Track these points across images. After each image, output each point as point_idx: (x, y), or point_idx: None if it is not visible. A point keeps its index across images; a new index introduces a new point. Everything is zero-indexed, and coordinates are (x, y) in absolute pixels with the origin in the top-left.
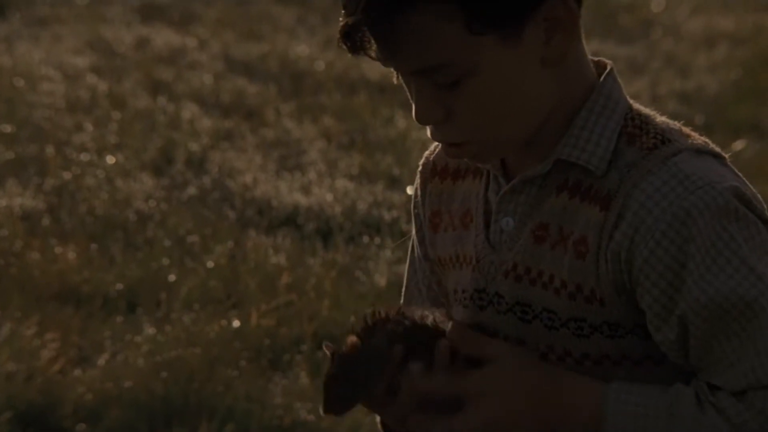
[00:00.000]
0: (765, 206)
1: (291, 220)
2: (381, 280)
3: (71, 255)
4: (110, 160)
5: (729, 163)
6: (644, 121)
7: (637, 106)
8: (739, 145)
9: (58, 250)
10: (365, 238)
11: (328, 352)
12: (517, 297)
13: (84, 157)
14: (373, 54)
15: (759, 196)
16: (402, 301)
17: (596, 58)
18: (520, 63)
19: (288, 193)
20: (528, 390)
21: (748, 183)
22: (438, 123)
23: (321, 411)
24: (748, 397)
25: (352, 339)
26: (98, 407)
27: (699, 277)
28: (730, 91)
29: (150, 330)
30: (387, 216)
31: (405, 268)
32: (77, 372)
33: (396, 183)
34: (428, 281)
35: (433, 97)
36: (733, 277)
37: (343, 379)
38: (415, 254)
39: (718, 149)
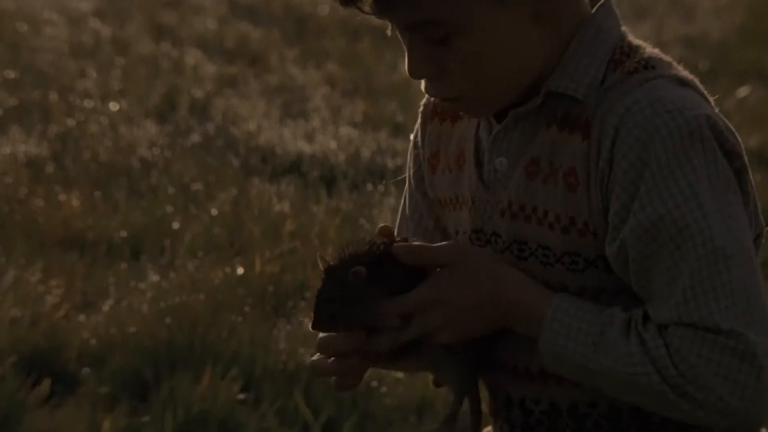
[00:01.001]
0: (741, 145)
1: (295, 167)
2: None
3: (75, 202)
4: (114, 106)
5: (711, 102)
6: (633, 50)
7: (631, 38)
8: (743, 91)
9: (62, 197)
10: (369, 186)
11: (321, 266)
12: (513, 235)
13: (87, 103)
14: (365, 8)
15: (737, 134)
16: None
17: None
18: (510, 20)
19: (292, 140)
20: (475, 294)
21: (728, 123)
22: (430, 78)
23: (310, 326)
24: (669, 332)
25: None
26: (102, 352)
27: (645, 196)
28: (735, 36)
29: (154, 276)
30: (390, 163)
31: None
32: (81, 317)
33: (400, 130)
34: (418, 217)
35: (425, 52)
36: (674, 198)
37: (333, 298)
38: (410, 191)
39: (703, 89)
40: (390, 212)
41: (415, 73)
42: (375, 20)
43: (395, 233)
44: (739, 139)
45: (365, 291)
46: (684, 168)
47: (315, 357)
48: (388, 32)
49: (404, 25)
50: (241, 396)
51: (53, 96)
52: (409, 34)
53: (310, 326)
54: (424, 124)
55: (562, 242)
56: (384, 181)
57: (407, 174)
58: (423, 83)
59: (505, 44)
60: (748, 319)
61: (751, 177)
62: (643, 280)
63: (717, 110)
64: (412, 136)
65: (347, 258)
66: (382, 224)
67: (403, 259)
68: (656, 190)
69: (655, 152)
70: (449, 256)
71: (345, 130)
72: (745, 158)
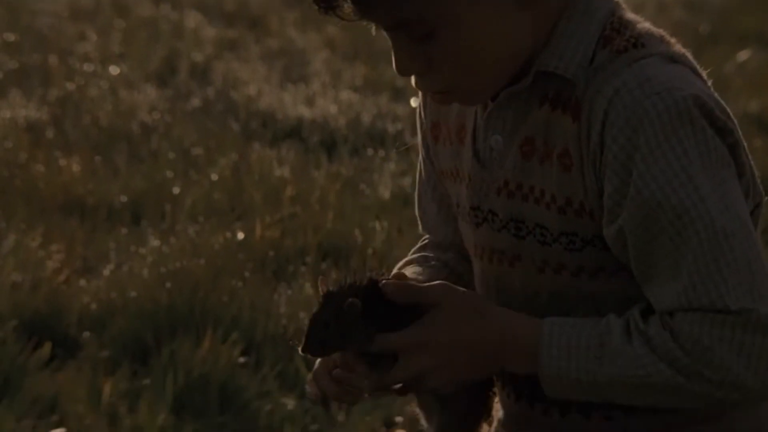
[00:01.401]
0: (733, 120)
1: (295, 132)
2: (385, 192)
3: (75, 167)
4: (114, 70)
5: (703, 76)
6: (624, 25)
7: (623, 12)
8: (744, 54)
9: (62, 162)
10: (369, 151)
11: (321, 290)
12: (510, 214)
13: (87, 67)
14: (345, 15)
15: (729, 110)
16: (417, 206)
17: None
18: (495, 11)
19: (292, 104)
20: (462, 334)
21: (720, 99)
22: (419, 74)
23: (299, 349)
24: (676, 320)
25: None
26: (103, 316)
27: (640, 181)
28: (736, 0)
29: (154, 241)
30: (391, 128)
31: (409, 180)
32: (82, 282)
33: (400, 94)
34: (434, 182)
35: (410, 49)
36: (670, 183)
37: (327, 324)
38: (422, 157)
39: (695, 63)
40: (390, 177)
41: (403, 71)
42: None
43: (416, 194)
44: (731, 114)
45: (358, 323)
46: (675, 150)
47: (308, 383)
48: (373, 31)
49: (387, 26)
50: (241, 360)
51: (53, 59)
52: (393, 33)
53: (299, 350)
54: (424, 93)
55: (559, 222)
56: (397, 146)
57: (419, 139)
58: (413, 79)
59: (492, 34)
60: (755, 294)
61: (745, 149)
62: (644, 266)
63: (710, 83)
64: (413, 102)
65: (347, 287)
66: (396, 272)
67: (392, 297)
68: (650, 174)
69: (645, 135)
70: (437, 297)
71: (345, 95)
72: (738, 133)
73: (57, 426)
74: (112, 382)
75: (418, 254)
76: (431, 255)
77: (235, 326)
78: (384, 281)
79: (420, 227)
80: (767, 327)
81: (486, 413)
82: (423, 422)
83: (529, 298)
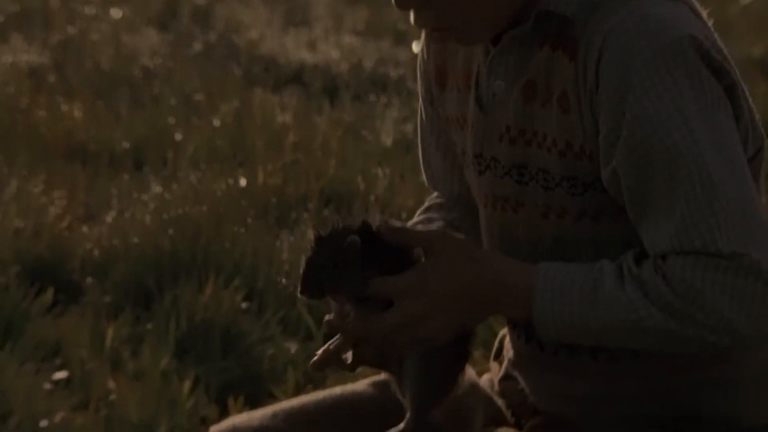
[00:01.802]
0: (730, 61)
1: (297, 77)
2: (387, 139)
3: (77, 112)
4: (115, 13)
5: (703, 16)
6: None
7: None
8: None
9: (64, 107)
10: (371, 96)
11: (313, 236)
12: (512, 160)
13: (89, 10)
14: None
15: (725, 51)
16: (421, 160)
17: None
18: None
19: (294, 49)
20: (458, 281)
21: (717, 39)
22: (417, 8)
23: (297, 292)
24: (669, 263)
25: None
26: (106, 262)
27: (634, 122)
28: None
29: (157, 188)
30: (393, 73)
31: (411, 126)
32: (84, 228)
33: (402, 39)
34: (437, 131)
35: None
36: (664, 125)
37: (324, 266)
38: (424, 105)
39: (695, 3)
40: (392, 123)
41: (401, 3)
42: None
43: (420, 148)
44: (728, 55)
45: (356, 262)
46: (670, 91)
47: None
48: None
49: None
50: (244, 305)
51: (54, 2)
52: None
53: (298, 292)
54: (426, 39)
55: (561, 166)
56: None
57: (419, 87)
58: (411, 14)
59: None
60: (748, 239)
61: (744, 91)
62: (639, 209)
63: (711, 23)
64: (415, 47)
65: (340, 229)
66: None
67: (387, 237)
68: (644, 115)
69: (639, 75)
70: (433, 242)
71: (347, 39)
72: (735, 74)
73: (60, 370)
74: (115, 327)
75: (423, 216)
76: (435, 216)
77: (237, 272)
78: (378, 224)
79: (426, 181)
80: (759, 271)
81: (461, 372)
82: (395, 389)
83: (534, 245)
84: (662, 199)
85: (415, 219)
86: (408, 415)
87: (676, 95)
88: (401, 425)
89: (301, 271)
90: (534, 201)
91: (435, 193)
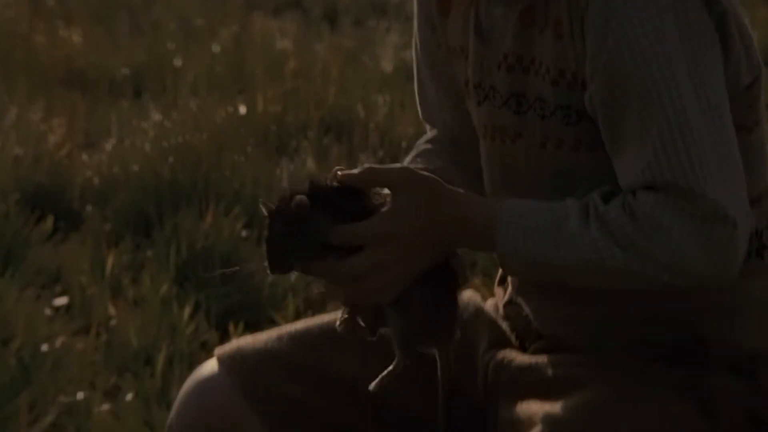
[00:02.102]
0: None
1: (297, 2)
2: (387, 66)
3: (76, 38)
4: None
5: None
6: None
7: None
8: None
9: (63, 32)
10: (372, 21)
11: (265, 212)
12: (510, 88)
13: None
14: None
15: None
16: (417, 93)
17: None
18: None
19: None
20: (423, 220)
21: None
22: None
23: (268, 272)
24: (639, 199)
25: (296, 197)
26: (106, 190)
27: (614, 49)
28: None
29: (156, 115)
30: None
31: (411, 53)
32: (84, 156)
33: None
34: (432, 61)
35: None
36: (643, 54)
37: (282, 235)
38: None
39: None
40: (393, 49)
41: None
42: None
43: (416, 80)
44: None
45: (312, 221)
46: (653, 20)
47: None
48: None
49: None
50: (243, 233)
51: None
52: None
53: (268, 272)
54: None
55: (555, 95)
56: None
57: (415, 17)
58: None
59: None
60: (719, 182)
61: (738, 18)
62: (613, 139)
63: None
64: None
65: (288, 196)
66: (337, 167)
67: (351, 181)
68: (624, 41)
69: (624, 1)
70: (395, 181)
71: None
72: (728, 0)
73: (60, 296)
74: (115, 254)
75: (410, 164)
76: (420, 165)
77: (237, 201)
78: (333, 173)
79: (420, 114)
80: (726, 217)
81: (451, 303)
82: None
83: (534, 176)
84: (636, 130)
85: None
86: (396, 357)
87: (658, 24)
88: (391, 367)
89: (265, 251)
90: (532, 131)
91: (427, 136)
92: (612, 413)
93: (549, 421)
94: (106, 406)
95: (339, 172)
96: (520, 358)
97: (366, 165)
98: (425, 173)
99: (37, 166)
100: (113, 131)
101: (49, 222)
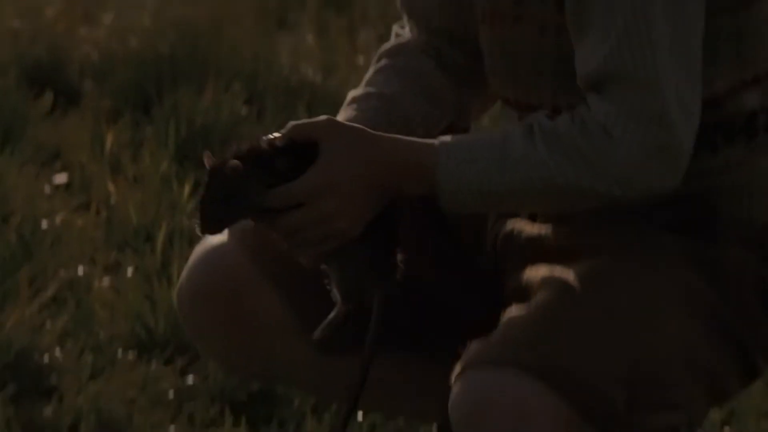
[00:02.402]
0: None
1: None
2: None
3: None
4: None
5: None
6: None
7: None
8: None
9: None
10: None
11: (207, 164)
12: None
13: None
14: None
15: None
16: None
17: None
18: None
19: None
20: (359, 167)
21: None
22: None
23: (198, 231)
24: (592, 106)
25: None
26: (104, 66)
27: None
28: None
29: None
30: None
31: None
32: (83, 30)
33: None
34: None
35: None
36: None
37: (215, 197)
38: None
39: None
40: None
41: None
42: None
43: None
44: None
45: (246, 185)
46: None
47: None
48: None
49: None
50: (243, 110)
51: None
52: None
53: (200, 233)
54: None
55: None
56: None
57: None
58: None
59: None
60: (672, 75)
61: None
62: (578, 27)
63: None
64: None
65: (229, 156)
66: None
67: (278, 141)
68: None
69: None
70: (322, 131)
71: None
72: None
73: (60, 173)
74: (115, 131)
75: (362, 91)
76: (373, 90)
77: (236, 76)
78: (267, 138)
79: (399, 5)
80: (671, 123)
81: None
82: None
83: (536, 62)
84: (600, 18)
85: (366, 78)
86: (336, 305)
87: None
88: (332, 315)
89: (198, 211)
90: (530, 16)
91: (391, 42)
92: (621, 278)
93: (557, 283)
94: (106, 281)
95: (269, 138)
96: (529, 228)
97: (291, 122)
98: (351, 124)
99: (36, 42)
100: (111, 5)
101: (48, 98)
